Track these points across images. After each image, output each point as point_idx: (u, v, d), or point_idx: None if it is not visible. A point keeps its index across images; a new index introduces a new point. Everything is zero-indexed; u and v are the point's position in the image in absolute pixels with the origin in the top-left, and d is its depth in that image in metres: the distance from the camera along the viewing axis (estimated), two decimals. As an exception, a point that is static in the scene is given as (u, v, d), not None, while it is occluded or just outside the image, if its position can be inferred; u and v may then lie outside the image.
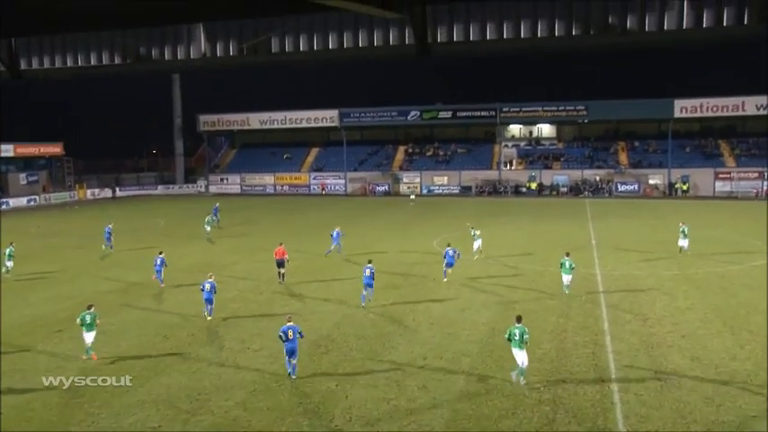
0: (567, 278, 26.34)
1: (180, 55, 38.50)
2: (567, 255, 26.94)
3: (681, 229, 35.42)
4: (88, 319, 19.48)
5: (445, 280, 29.29)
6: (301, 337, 17.93)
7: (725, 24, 28.26)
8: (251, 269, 32.90)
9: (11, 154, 77.95)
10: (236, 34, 38.23)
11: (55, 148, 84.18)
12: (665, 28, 29.78)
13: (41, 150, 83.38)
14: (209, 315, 23.66)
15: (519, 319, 17.48)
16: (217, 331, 22.14)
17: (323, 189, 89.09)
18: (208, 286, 23.51)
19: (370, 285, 25.33)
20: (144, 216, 61.20)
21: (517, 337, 16.88)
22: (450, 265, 29.50)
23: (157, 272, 29.32)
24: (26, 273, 32.41)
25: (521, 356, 16.90)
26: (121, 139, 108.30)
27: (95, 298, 25.17)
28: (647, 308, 24.18)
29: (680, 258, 33.95)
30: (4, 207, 70.60)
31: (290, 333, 17.58)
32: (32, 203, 76.29)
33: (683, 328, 21.46)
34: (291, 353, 17.59)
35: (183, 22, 37.66)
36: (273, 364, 18.63)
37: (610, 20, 32.28)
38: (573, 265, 26.35)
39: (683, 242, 35.02)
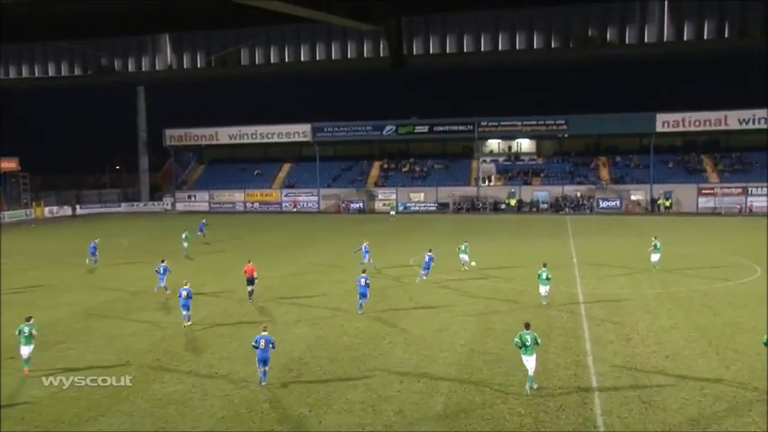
0: (544, 289, 27.69)
1: (144, 66, 38.34)
2: (544, 266, 28.20)
3: (653, 243, 36.68)
4: (26, 330, 19.33)
5: (418, 281, 32.41)
6: (273, 347, 18.86)
7: (705, 38, 28.89)
8: (219, 290, 32.61)
9: (-40, 169, 76.59)
10: (203, 45, 38.19)
11: (10, 163, 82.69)
12: (646, 41, 30.38)
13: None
14: (188, 321, 25.34)
15: (528, 326, 18.44)
16: (183, 355, 21.86)
17: (294, 206, 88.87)
18: (184, 293, 25.09)
19: (364, 295, 27.18)
20: (106, 235, 60.33)
21: (529, 343, 17.82)
22: (426, 268, 32.29)
23: (161, 283, 31.28)
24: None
25: (531, 363, 17.85)
26: (83, 154, 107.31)
27: (49, 323, 24.84)
28: (630, 327, 24.37)
29: (663, 276, 34.33)
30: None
31: (263, 342, 18.66)
32: (-16, 222, 75.01)
33: (668, 348, 21.65)
34: (263, 361, 18.68)
35: (148, 32, 37.53)
36: (243, 389, 18.43)
37: (589, 32, 32.83)
38: (549, 276, 27.72)
39: (655, 257, 35.99)
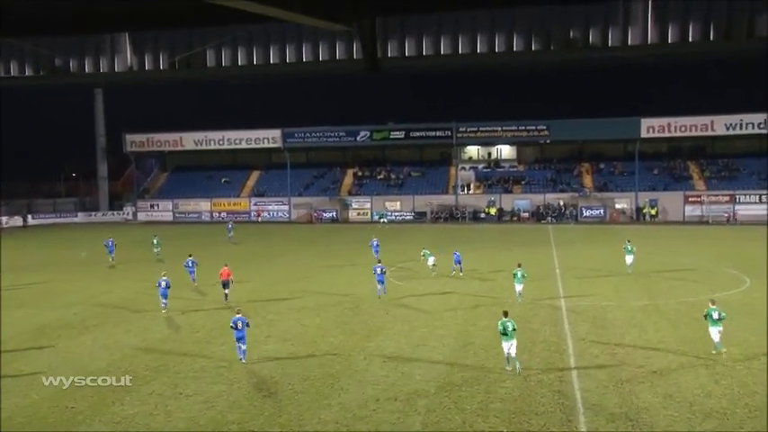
0: (519, 287, 30.97)
1: (103, 67, 37.92)
2: (519, 265, 31.59)
3: (625, 246, 40.07)
4: None
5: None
6: (248, 327, 22.53)
7: (691, 40, 29.29)
8: (185, 305, 32.29)
9: None
10: (166, 46, 37.91)
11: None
12: (629, 43, 30.74)
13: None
14: (165, 308, 29.98)
15: (506, 314, 21.36)
16: (145, 375, 21.59)
17: (258, 216, 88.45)
18: (163, 283, 29.94)
19: (381, 282, 32.36)
20: (60, 247, 59.60)
21: (510, 329, 20.74)
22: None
23: (191, 276, 36.34)
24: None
25: (513, 348, 20.74)
26: (35, 160, 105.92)
27: None
28: (615, 341, 24.54)
29: (650, 288, 34.71)
30: None
31: (240, 324, 22.24)
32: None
33: (655, 363, 21.82)
34: (241, 339, 22.30)
35: (106, 31, 37.13)
36: (209, 410, 18.24)
37: (571, 34, 33.14)
38: (525, 275, 31.04)
39: (629, 258, 39.47)
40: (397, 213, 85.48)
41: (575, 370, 21.24)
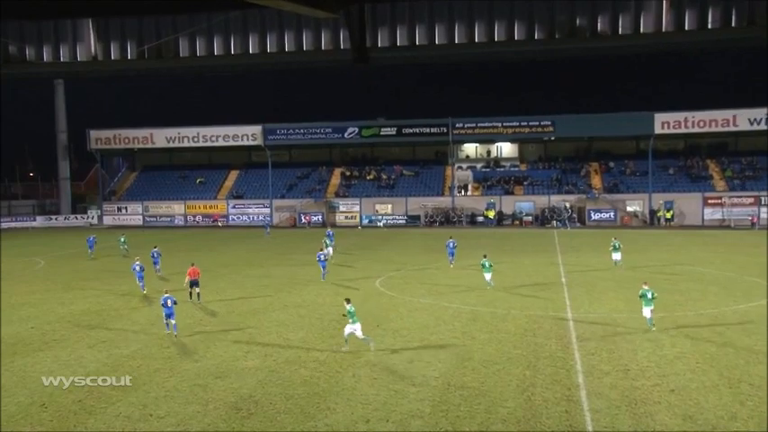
0: (488, 276, 37.34)
1: (64, 56, 37.62)
2: (485, 256, 38.36)
3: (612, 244, 45.24)
4: None
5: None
6: (176, 304, 27.77)
7: (710, 27, 29.18)
8: (153, 317, 32.11)
9: None
10: (134, 34, 37.67)
11: None
12: (642, 31, 30.65)
13: None
14: (144, 290, 37.49)
15: (348, 301, 25.75)
16: (111, 395, 21.44)
17: (216, 220, 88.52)
18: (138, 267, 37.86)
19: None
20: (15, 255, 59.23)
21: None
22: (451, 255, 45.66)
23: (155, 267, 43.68)
24: None
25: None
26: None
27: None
28: (628, 357, 24.53)
29: (665, 298, 34.69)
30: None
31: (169, 302, 27.33)
32: None
33: (672, 381, 21.79)
34: (170, 316, 27.47)
35: (67, 16, 36.80)
36: (181, 433, 18.16)
37: (578, 21, 33.12)
38: (491, 264, 37.67)
39: (617, 256, 44.59)
40: (388, 217, 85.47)
41: (583, 388, 21.22)
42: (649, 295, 27.81)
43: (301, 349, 26.14)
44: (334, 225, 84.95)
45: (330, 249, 50.19)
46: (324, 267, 42.18)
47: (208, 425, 18.58)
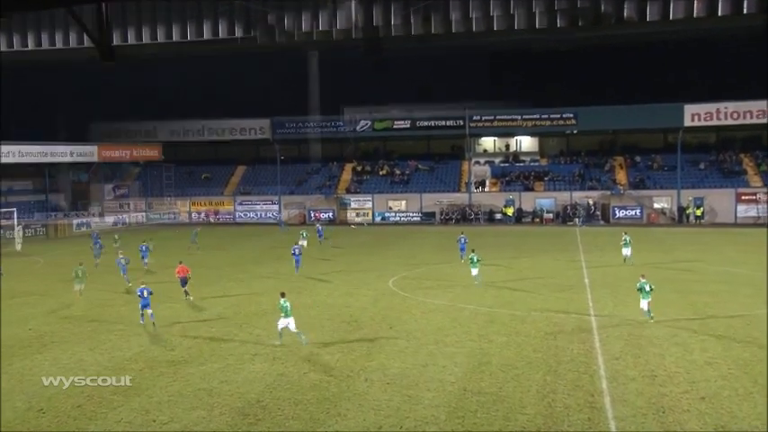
0: (474, 271, 38.54)
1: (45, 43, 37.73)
2: (473, 251, 39.84)
3: (623, 239, 46.75)
4: None
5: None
6: (151, 294, 29.58)
7: (745, 12, 28.76)
8: (155, 318, 32.16)
9: None
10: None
11: None
12: (671, 17, 30.32)
13: None
14: (128, 283, 39.62)
15: (283, 294, 27.46)
16: (112, 400, 21.48)
17: (207, 216, 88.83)
18: (123, 261, 41.00)
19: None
20: (15, 254, 59.63)
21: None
22: (462, 249, 47.47)
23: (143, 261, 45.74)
24: None
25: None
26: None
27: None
28: (655, 362, 24.37)
29: (695, 300, 34.54)
30: None
31: (145, 293, 29.30)
32: None
33: (702, 388, 21.61)
34: (146, 306, 29.35)
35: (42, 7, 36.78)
36: (185, 440, 18.16)
37: (602, 8, 32.83)
38: (480, 259, 39.01)
39: (627, 251, 46.26)
40: (401, 214, 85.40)
41: (607, 395, 21.07)
42: (647, 288, 29.69)
43: (311, 352, 26.12)
44: (344, 222, 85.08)
45: (305, 242, 53.66)
46: (298, 261, 44.51)
47: (213, 431, 18.56)
